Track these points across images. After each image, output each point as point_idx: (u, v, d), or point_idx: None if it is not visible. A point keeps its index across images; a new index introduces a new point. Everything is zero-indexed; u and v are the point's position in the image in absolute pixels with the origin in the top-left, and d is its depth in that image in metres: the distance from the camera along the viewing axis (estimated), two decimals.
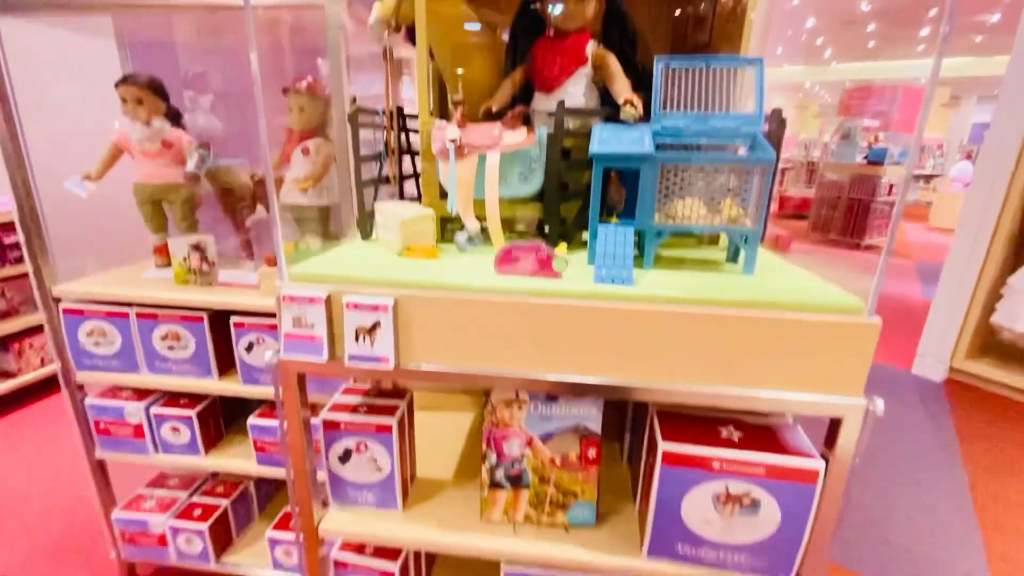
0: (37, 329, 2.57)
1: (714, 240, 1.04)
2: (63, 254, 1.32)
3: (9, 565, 1.63)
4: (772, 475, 0.72)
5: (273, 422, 1.33)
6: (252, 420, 1.34)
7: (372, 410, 0.88)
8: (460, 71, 0.99)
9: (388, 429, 0.85)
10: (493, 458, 0.86)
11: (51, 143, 1.29)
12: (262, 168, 1.38)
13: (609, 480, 1.02)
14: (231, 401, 1.49)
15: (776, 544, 0.75)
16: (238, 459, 1.41)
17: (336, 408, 0.89)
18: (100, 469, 1.47)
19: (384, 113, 0.99)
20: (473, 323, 0.72)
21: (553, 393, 0.83)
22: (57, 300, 1.30)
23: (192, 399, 1.40)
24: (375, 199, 1.02)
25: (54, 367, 2.64)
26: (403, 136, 1.01)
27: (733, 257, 0.89)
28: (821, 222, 6.99)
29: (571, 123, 0.91)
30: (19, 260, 2.48)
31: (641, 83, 0.90)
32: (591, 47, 0.90)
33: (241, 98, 1.53)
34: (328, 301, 0.72)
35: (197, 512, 1.50)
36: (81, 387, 1.38)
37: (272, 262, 1.23)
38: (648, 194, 0.78)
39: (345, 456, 0.87)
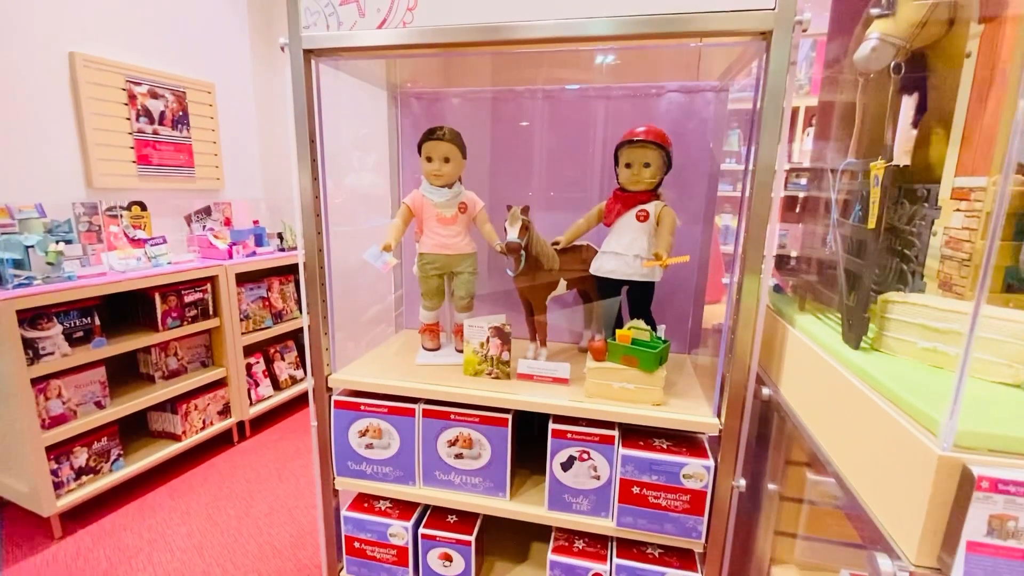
0: (200, 391, 2.49)
1: None
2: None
3: None
4: None
5: (578, 561, 1.01)
6: (553, 556, 1.03)
7: None
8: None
9: None
10: None
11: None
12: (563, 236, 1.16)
13: None
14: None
15: None
16: None
17: None
18: None
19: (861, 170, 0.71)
20: None
21: None
22: (329, 391, 1.09)
23: (462, 519, 1.13)
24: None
25: (216, 429, 2.55)
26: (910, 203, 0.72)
27: None
28: None
29: None
30: (195, 319, 2.42)
31: None
32: None
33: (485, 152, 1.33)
34: None
35: None
36: (336, 493, 1.15)
37: (600, 354, 0.96)
38: None
39: None
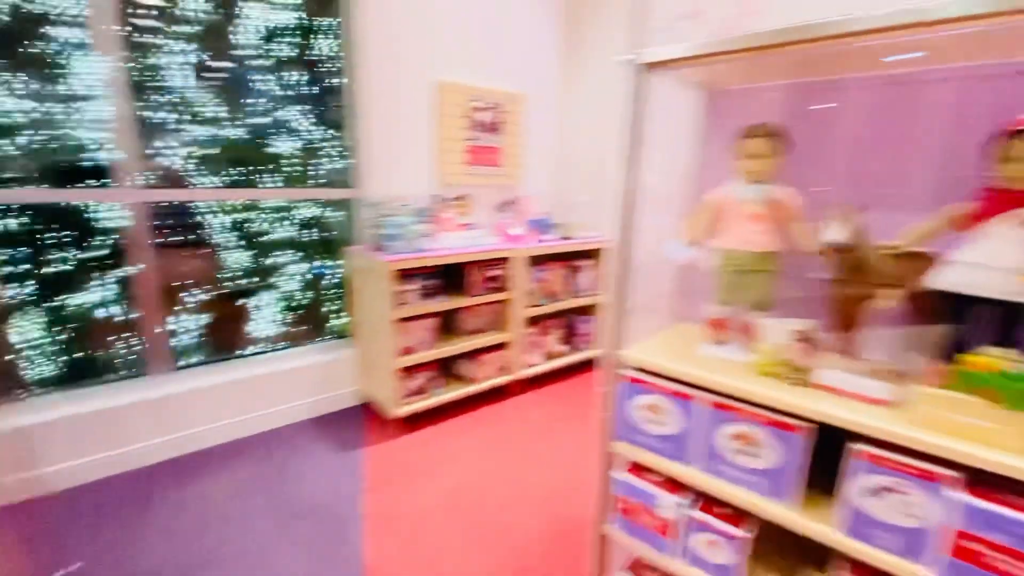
0: (490, 348, 3.02)
1: None
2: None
3: None
4: None
5: None
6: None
7: None
8: None
9: None
10: None
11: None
12: (900, 238, 1.03)
13: None
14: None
15: None
16: None
17: None
18: (601, 540, 1.37)
19: None
20: None
21: None
22: (617, 365, 1.23)
23: (738, 513, 1.13)
24: None
25: (498, 381, 3.11)
26: None
27: None
28: None
29: None
30: (496, 290, 2.95)
31: None
32: None
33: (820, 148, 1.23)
34: None
35: None
36: (611, 456, 1.29)
37: (942, 379, 0.83)
38: None
39: None
